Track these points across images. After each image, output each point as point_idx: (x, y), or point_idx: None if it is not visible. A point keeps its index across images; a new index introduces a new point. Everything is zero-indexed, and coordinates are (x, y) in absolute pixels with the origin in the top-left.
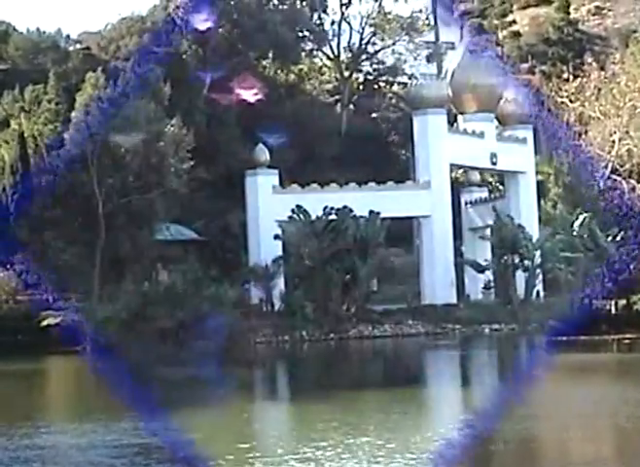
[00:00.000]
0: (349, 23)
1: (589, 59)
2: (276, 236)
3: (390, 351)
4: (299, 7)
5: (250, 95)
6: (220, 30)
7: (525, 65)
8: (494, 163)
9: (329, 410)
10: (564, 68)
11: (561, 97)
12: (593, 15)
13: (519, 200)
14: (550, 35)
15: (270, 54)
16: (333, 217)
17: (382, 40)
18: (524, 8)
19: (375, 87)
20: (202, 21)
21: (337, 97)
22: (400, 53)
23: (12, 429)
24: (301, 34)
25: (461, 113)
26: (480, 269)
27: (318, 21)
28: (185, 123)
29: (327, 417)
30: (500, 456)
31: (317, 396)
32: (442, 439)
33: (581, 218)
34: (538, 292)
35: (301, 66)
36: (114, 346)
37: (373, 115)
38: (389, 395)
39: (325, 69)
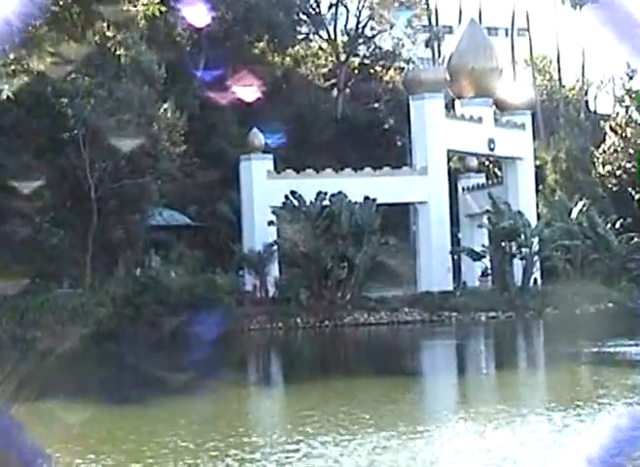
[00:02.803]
0: (346, 6)
1: None
2: (270, 223)
3: (387, 339)
4: None
5: (245, 79)
6: (214, 13)
7: None
8: (492, 149)
9: (324, 400)
10: None
11: None
12: None
13: (517, 187)
14: None
15: (266, 38)
16: (327, 203)
17: (380, 24)
18: None
19: (372, 71)
20: (197, 6)
21: (333, 82)
22: (397, 38)
23: None
24: (296, 17)
25: (459, 98)
26: (477, 257)
27: (315, 4)
28: (178, 106)
29: (322, 409)
30: None
31: (312, 385)
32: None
33: (579, 205)
34: (535, 280)
35: (297, 50)
36: (106, 333)
37: (370, 99)
38: (386, 384)
39: (321, 53)
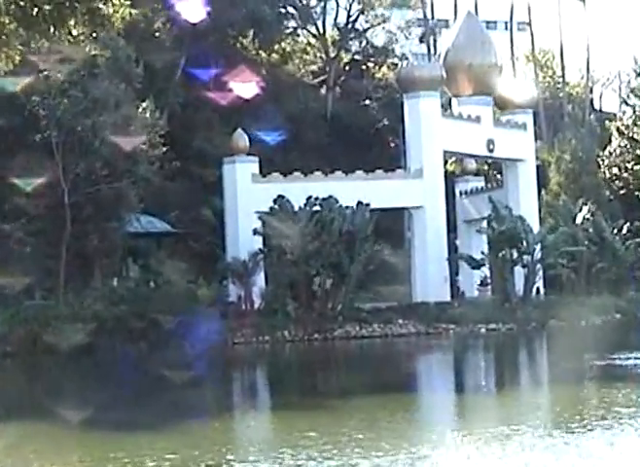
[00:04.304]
0: None
1: None
2: (255, 231)
3: (380, 353)
4: None
5: (228, 77)
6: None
7: None
8: (491, 150)
9: (320, 421)
10: None
11: None
12: None
13: (518, 190)
14: None
15: (251, 33)
16: (317, 208)
17: (372, 17)
18: None
19: (364, 67)
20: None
21: (322, 79)
22: (390, 32)
23: None
24: (283, 10)
25: (456, 96)
26: (476, 265)
27: None
28: (158, 106)
29: (320, 431)
30: None
31: (300, 406)
32: None
33: (585, 209)
34: (538, 289)
35: (283, 45)
36: (80, 347)
37: (362, 98)
38: (385, 403)
39: (309, 48)
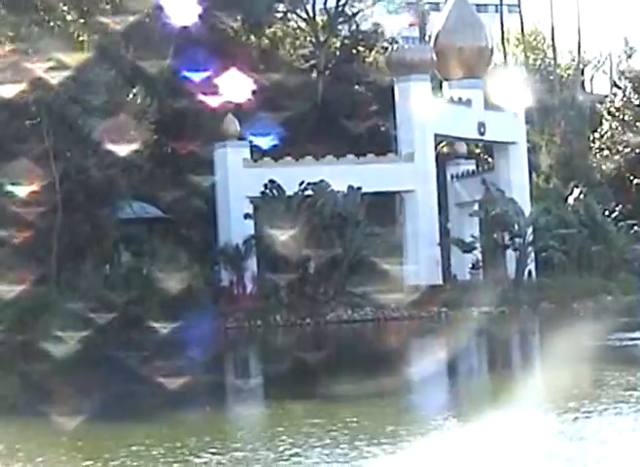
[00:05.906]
0: None
1: None
2: (247, 216)
3: (374, 337)
4: None
5: (219, 63)
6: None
7: None
8: (482, 134)
9: (325, 411)
10: None
11: None
12: None
13: (510, 173)
14: None
15: (240, 17)
16: (309, 193)
17: (361, 1)
18: None
19: (354, 51)
20: None
21: (312, 63)
22: (380, 15)
23: None
24: None
25: (446, 79)
26: (468, 248)
27: None
28: (148, 92)
29: (328, 419)
30: None
31: (300, 393)
32: None
33: (576, 192)
34: (530, 272)
35: (274, 30)
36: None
37: (352, 82)
38: (385, 389)
39: (299, 33)
